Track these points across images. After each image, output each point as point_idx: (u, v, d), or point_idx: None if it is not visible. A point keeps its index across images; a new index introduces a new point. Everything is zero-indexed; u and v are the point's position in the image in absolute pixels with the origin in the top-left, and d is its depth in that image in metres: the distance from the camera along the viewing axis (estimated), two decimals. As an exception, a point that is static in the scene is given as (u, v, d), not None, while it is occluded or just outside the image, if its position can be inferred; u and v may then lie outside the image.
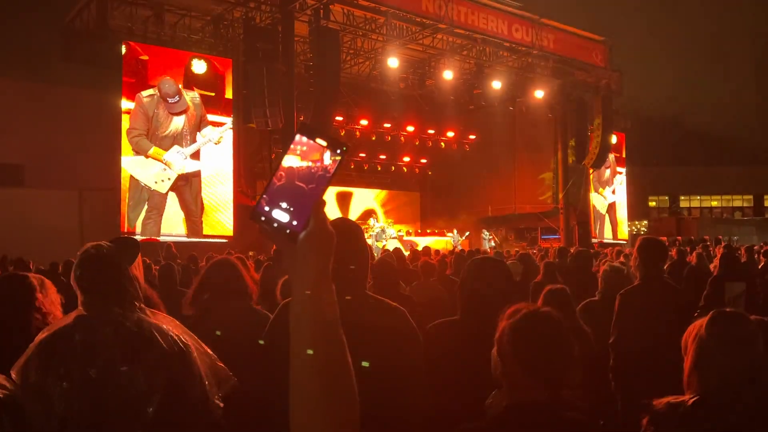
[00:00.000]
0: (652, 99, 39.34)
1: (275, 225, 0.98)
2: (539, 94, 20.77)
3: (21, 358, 1.94)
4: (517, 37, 18.41)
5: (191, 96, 15.20)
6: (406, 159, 25.69)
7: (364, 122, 22.47)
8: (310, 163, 1.00)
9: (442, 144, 25.24)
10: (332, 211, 21.67)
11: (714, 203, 39.69)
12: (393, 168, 25.60)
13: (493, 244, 22.11)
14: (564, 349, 1.67)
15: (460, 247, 19.16)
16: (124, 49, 14.65)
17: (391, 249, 15.52)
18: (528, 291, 5.45)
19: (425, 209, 26.66)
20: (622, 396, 3.56)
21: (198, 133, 15.22)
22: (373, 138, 23.35)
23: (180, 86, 15.09)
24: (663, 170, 36.68)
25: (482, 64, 19.52)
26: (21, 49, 22.00)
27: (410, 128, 23.71)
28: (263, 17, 15.47)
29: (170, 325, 2.12)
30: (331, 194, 23.42)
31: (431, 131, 24.37)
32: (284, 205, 0.98)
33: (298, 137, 1.01)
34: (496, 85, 19.48)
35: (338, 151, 1.00)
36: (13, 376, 1.89)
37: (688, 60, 44.69)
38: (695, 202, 39.56)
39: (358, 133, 22.63)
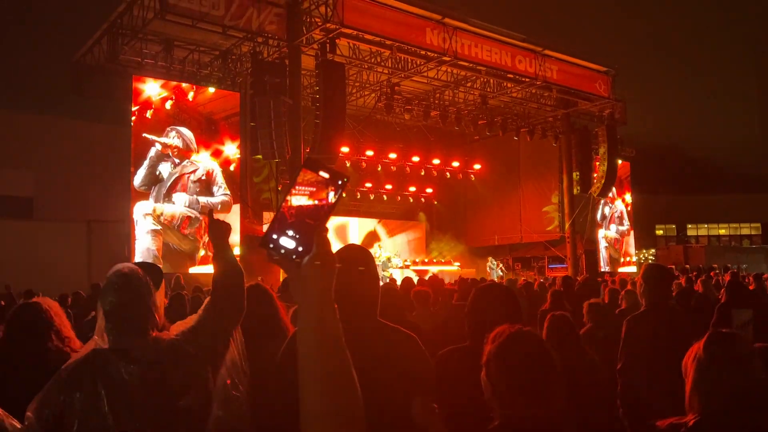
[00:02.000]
0: (657, 127, 39.50)
1: (282, 251, 1.07)
2: (544, 123, 20.97)
3: (38, 395, 1.91)
4: (521, 69, 18.62)
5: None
6: (412, 189, 25.81)
7: (369, 153, 22.66)
8: (314, 194, 1.09)
9: (448, 174, 25.39)
10: (341, 241, 21.69)
11: (722, 231, 39.54)
12: (399, 198, 25.71)
13: (500, 272, 22.06)
14: (547, 365, 1.71)
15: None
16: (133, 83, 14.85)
17: (400, 278, 15.50)
18: (536, 319, 5.46)
19: (431, 239, 26.67)
20: (629, 420, 3.54)
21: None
22: (379, 168, 23.52)
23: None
24: (670, 198, 36.64)
25: (486, 95, 19.74)
26: (33, 84, 22.42)
27: (415, 158, 23.88)
28: (271, 51, 15.75)
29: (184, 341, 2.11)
30: (341, 224, 23.53)
31: (436, 161, 24.54)
32: (290, 233, 1.07)
33: (303, 170, 1.10)
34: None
35: (339, 183, 1.09)
36: (29, 415, 1.87)
37: (693, 88, 44.96)
38: (703, 230, 39.42)
39: (363, 163, 22.82)
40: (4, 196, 19.14)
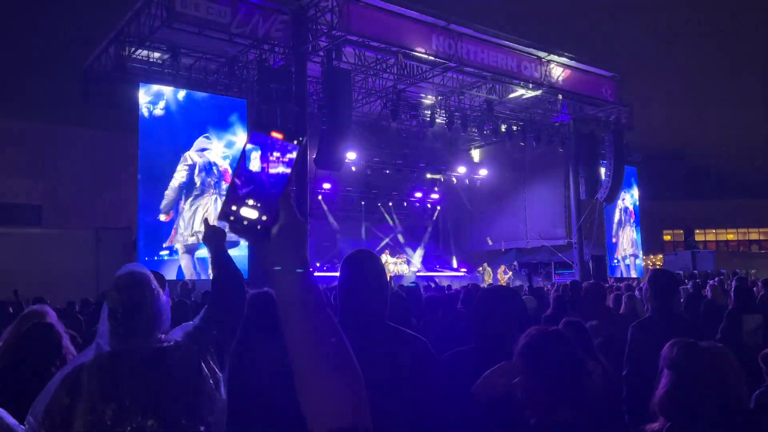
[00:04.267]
0: (664, 133, 39.37)
1: (245, 222, 0.99)
2: (550, 129, 20.95)
3: (40, 399, 1.90)
4: (527, 74, 18.61)
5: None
6: (418, 194, 25.82)
7: (376, 159, 22.71)
8: (269, 158, 1.00)
9: (454, 179, 25.40)
10: (348, 247, 21.70)
11: (730, 237, 39.33)
12: (405, 204, 25.70)
13: (507, 278, 22.01)
14: (576, 365, 1.72)
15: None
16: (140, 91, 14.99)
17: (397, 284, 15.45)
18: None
19: (437, 245, 26.64)
20: (634, 427, 3.52)
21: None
22: (387, 172, 23.57)
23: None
24: (677, 204, 36.51)
25: (492, 101, 19.73)
26: (41, 93, 22.56)
27: (421, 164, 23.91)
28: (277, 58, 15.82)
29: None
30: (344, 229, 23.54)
31: (442, 167, 24.55)
32: (251, 202, 0.99)
33: (254, 134, 1.02)
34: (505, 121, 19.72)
35: (295, 142, 1.01)
36: (31, 418, 1.86)
37: (700, 93, 44.79)
38: (710, 235, 39.21)
39: (369, 170, 22.87)
40: (12, 204, 19.27)
